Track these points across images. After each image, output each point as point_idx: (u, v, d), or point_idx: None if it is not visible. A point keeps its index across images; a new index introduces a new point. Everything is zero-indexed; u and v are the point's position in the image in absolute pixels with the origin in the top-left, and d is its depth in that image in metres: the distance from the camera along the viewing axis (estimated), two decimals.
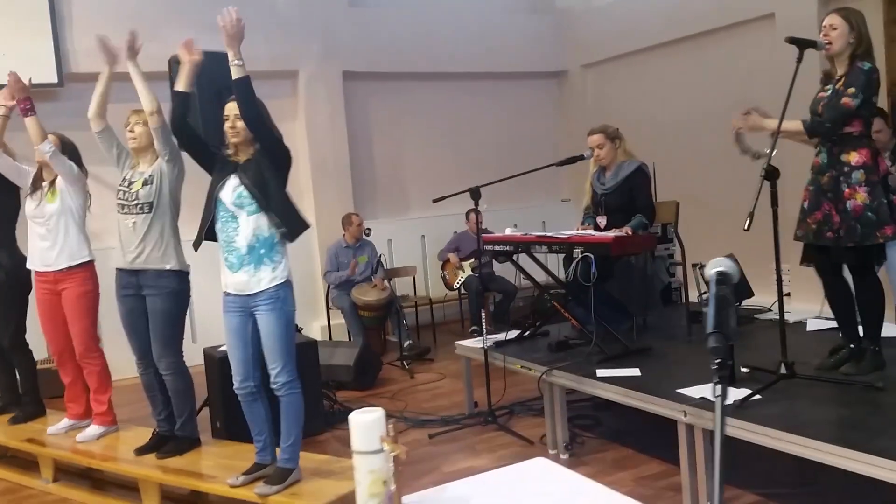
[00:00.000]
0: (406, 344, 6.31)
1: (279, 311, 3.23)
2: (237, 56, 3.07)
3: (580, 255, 3.85)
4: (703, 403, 3.11)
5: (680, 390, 3.29)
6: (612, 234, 3.99)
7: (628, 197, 4.30)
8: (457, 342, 4.86)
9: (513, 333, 4.58)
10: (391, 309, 6.46)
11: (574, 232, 4.20)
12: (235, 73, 3.09)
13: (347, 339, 6.49)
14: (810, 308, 5.34)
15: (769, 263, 5.66)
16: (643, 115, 7.26)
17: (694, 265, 4.80)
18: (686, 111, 7.04)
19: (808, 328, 4.33)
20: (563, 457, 3.88)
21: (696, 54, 6.98)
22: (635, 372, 3.67)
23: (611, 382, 3.59)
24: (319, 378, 4.67)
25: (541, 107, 8.52)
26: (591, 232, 4.19)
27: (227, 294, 3.29)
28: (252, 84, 3.13)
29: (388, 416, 4.62)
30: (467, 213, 7.14)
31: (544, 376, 3.89)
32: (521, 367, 4.14)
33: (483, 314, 4.48)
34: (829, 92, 3.34)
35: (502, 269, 7.18)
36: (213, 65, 3.79)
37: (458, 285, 6.99)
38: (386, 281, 6.53)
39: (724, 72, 6.71)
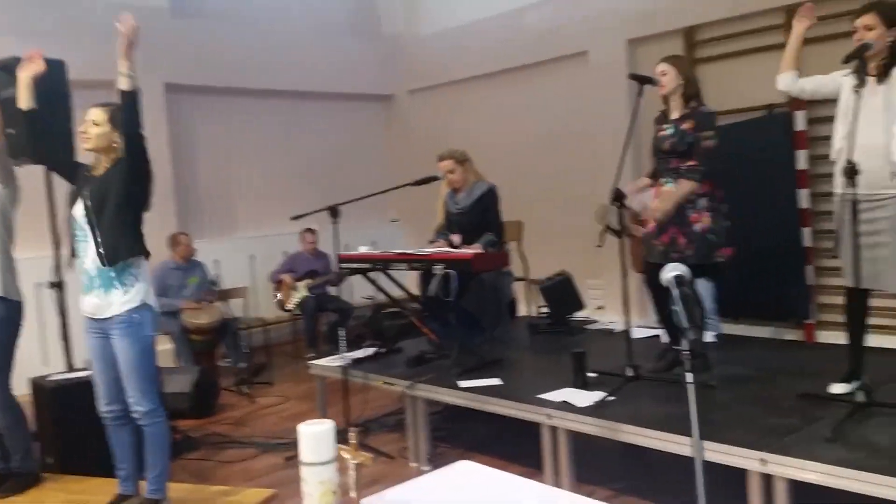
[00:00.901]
0: (243, 367, 6.11)
1: (133, 336, 3.06)
2: (131, 67, 2.90)
3: (442, 272, 3.99)
4: (565, 406, 3.36)
5: (541, 395, 3.53)
6: (469, 250, 4.18)
7: (480, 216, 4.53)
8: (311, 361, 4.82)
9: (369, 351, 4.62)
10: (225, 332, 6.23)
11: (433, 249, 4.34)
12: (126, 85, 2.93)
13: (176, 366, 6.15)
14: (620, 318, 5.90)
15: (588, 279, 6.21)
16: (468, 140, 7.58)
17: (531, 281, 5.14)
18: (509, 138, 7.51)
19: (633, 336, 4.76)
20: (426, 468, 3.97)
21: (519, 85, 7.47)
22: (497, 381, 3.87)
23: (475, 392, 3.75)
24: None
25: (369, 128, 8.66)
26: (449, 249, 4.36)
27: (84, 315, 3.07)
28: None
29: (236, 442, 4.49)
30: (302, 233, 7.08)
31: (408, 390, 3.97)
32: (384, 382, 4.20)
33: (340, 334, 4.45)
34: (671, 131, 3.78)
35: (337, 289, 7.19)
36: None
37: (292, 306, 6.89)
38: (219, 303, 6.28)
39: (544, 103, 7.25)
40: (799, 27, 3.44)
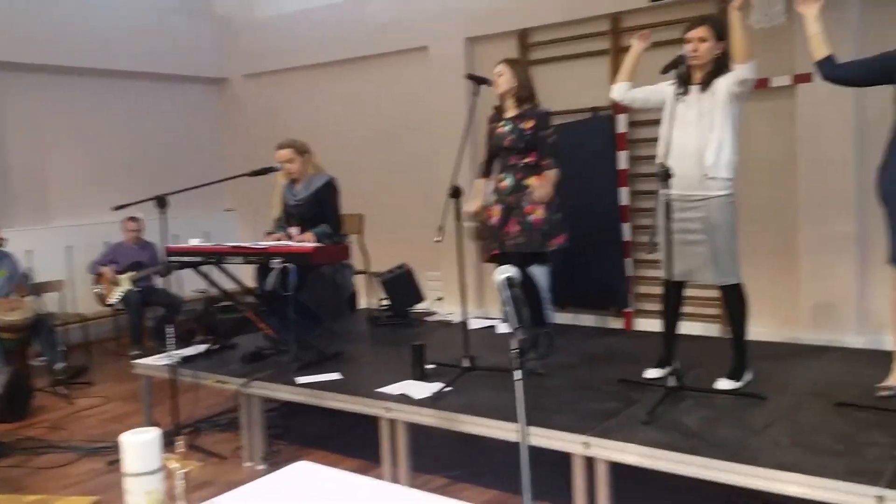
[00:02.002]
0: (59, 367, 5.66)
1: None
2: None
3: (280, 265, 3.90)
4: (403, 399, 3.41)
5: (379, 389, 3.55)
6: (308, 244, 4.11)
7: (319, 208, 4.47)
8: (135, 361, 4.54)
9: (200, 347, 4.43)
10: (39, 329, 5.74)
11: (271, 242, 4.22)
12: None
13: None
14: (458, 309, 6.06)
15: (428, 271, 6.31)
16: (308, 129, 7.45)
17: (373, 274, 5.15)
18: (350, 130, 7.45)
19: (470, 327, 4.90)
20: (260, 467, 3.88)
21: (360, 76, 7.42)
22: (336, 376, 3.84)
23: (313, 388, 3.71)
24: None
25: (201, 113, 8.28)
26: (287, 242, 4.27)
27: None
28: None
29: (52, 446, 4.18)
30: (123, 222, 6.66)
31: (242, 388, 3.86)
32: (217, 381, 4.04)
33: (167, 330, 4.23)
34: (508, 127, 3.94)
35: (164, 281, 6.83)
36: None
37: (114, 300, 6.46)
38: (32, 297, 5.78)
39: (386, 94, 7.25)
40: (638, 46, 3.67)
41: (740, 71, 3.26)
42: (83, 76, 7.16)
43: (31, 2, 6.64)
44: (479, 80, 3.77)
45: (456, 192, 3.62)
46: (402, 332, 4.93)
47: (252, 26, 8.06)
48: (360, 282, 5.11)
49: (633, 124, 5.87)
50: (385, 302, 5.18)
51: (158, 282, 6.72)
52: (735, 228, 3.40)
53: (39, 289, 5.99)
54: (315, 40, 7.50)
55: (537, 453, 2.93)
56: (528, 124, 3.94)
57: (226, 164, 8.28)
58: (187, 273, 6.81)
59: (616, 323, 6.01)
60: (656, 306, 5.85)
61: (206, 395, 4.39)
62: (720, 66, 3.38)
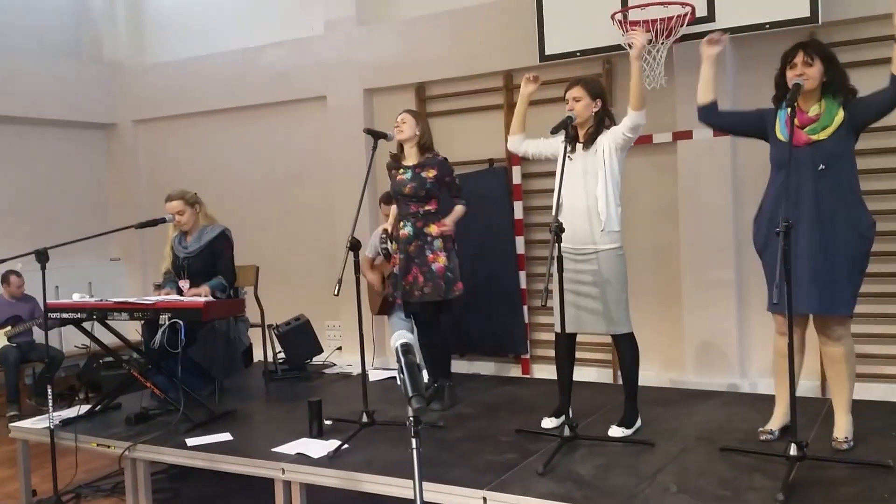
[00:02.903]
0: None
1: None
2: None
3: (168, 322, 3.76)
4: (300, 458, 3.32)
5: (275, 449, 3.44)
6: (200, 298, 3.98)
7: (211, 261, 4.35)
8: (11, 424, 4.23)
9: (73, 409, 4.19)
10: None
11: (158, 297, 4.06)
12: None
13: None
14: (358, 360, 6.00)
15: (326, 321, 6.23)
16: (201, 178, 7.28)
17: (269, 326, 5.03)
18: (244, 178, 7.32)
19: (371, 378, 4.87)
20: None
21: (255, 124, 7.32)
22: (226, 437, 3.71)
23: (204, 450, 3.56)
24: None
25: (87, 160, 7.94)
26: (177, 297, 4.12)
27: None
28: None
29: None
30: (4, 276, 6.27)
31: (127, 452, 3.66)
32: (99, 444, 3.82)
33: (47, 390, 3.97)
34: (408, 175, 4.02)
35: (43, 335, 6.45)
36: None
37: None
38: None
39: (284, 143, 7.18)
40: (526, 90, 3.79)
41: (636, 117, 3.41)
42: None
43: None
44: (377, 135, 3.83)
45: (354, 246, 3.61)
46: (299, 386, 4.82)
47: (143, 71, 7.86)
48: (255, 335, 4.96)
49: (526, 176, 6.04)
50: (281, 355, 5.06)
51: (38, 336, 6.33)
52: (625, 279, 3.54)
53: None
54: (210, 87, 7.37)
55: None
56: (430, 173, 4.05)
57: (113, 212, 7.96)
58: (69, 327, 6.52)
59: (515, 370, 6.09)
60: (551, 352, 6.02)
61: (88, 458, 4.13)
62: (600, 123, 3.55)
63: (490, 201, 5.99)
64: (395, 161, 4.16)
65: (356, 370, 5.14)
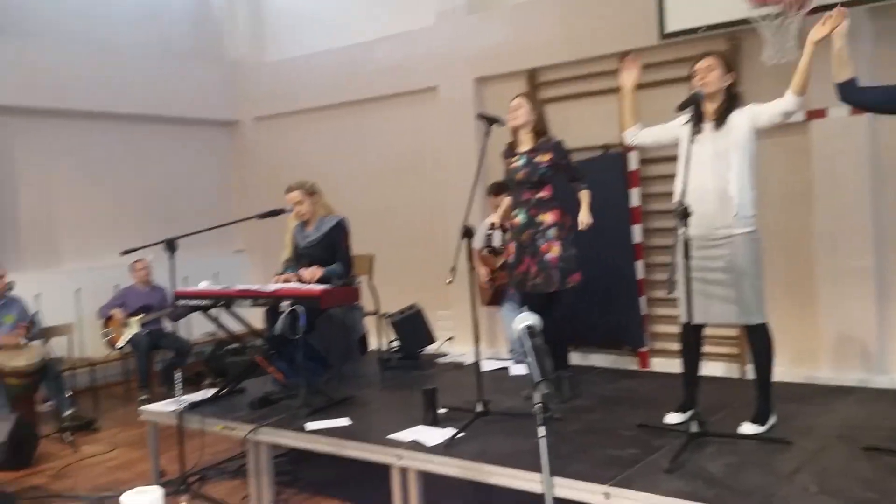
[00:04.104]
0: (67, 413, 5.57)
1: None
2: None
3: (289, 308, 3.83)
4: (415, 446, 3.30)
5: (391, 436, 3.44)
6: (317, 286, 4.05)
7: (329, 249, 4.42)
8: (142, 408, 4.45)
9: (200, 393, 4.35)
10: (46, 374, 5.67)
11: (279, 285, 4.16)
12: None
13: None
14: (471, 350, 5.95)
15: (438, 310, 6.21)
16: (317, 171, 7.44)
17: (382, 315, 5.06)
18: (359, 170, 7.44)
19: (483, 369, 4.80)
20: None
21: (369, 117, 7.44)
22: (345, 422, 3.74)
23: (323, 434, 3.61)
24: None
25: (212, 156, 8.31)
26: (296, 284, 4.20)
27: None
28: None
29: (56, 496, 4.07)
30: (133, 265, 6.63)
31: (251, 435, 3.76)
32: (224, 427, 3.95)
33: (175, 375, 4.14)
34: (522, 161, 3.90)
35: (174, 325, 6.79)
36: None
37: (123, 344, 6.40)
38: (41, 342, 5.72)
39: (396, 135, 7.26)
40: (627, 82, 3.62)
41: (793, 102, 3.18)
42: (94, 120, 7.20)
43: (43, 46, 6.71)
44: (490, 120, 3.74)
45: (468, 233, 3.55)
46: (412, 374, 4.83)
47: (263, 70, 8.13)
48: (370, 323, 5.01)
49: (644, 161, 5.83)
50: (395, 344, 5.09)
51: (168, 325, 6.66)
52: (761, 265, 3.31)
53: (47, 333, 5.92)
54: (325, 83, 7.54)
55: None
56: (545, 157, 3.92)
57: (236, 205, 8.28)
58: (196, 316, 6.81)
59: (631, 363, 5.89)
60: (673, 346, 5.78)
61: (214, 441, 4.29)
62: (732, 99, 3.33)
63: (605, 189, 5.77)
64: (510, 149, 4.07)
65: (468, 360, 5.11)
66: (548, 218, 3.91)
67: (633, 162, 5.83)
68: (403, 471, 3.26)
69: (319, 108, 7.69)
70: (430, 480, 3.30)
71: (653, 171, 5.82)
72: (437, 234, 6.92)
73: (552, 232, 3.91)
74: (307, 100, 7.71)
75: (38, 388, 5.85)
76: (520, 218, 3.96)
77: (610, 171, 5.84)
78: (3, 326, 5.67)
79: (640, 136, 3.61)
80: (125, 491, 4.18)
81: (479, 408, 3.52)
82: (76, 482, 4.45)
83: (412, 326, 5.06)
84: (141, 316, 6.45)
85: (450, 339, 6.14)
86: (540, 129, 3.97)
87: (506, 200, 4.27)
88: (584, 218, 3.92)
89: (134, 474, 4.57)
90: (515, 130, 4.02)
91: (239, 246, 8.42)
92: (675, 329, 5.80)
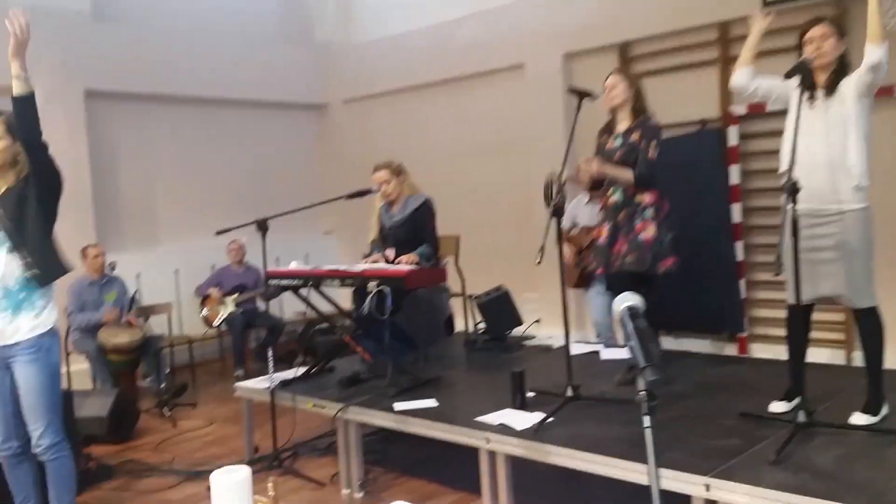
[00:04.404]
0: (164, 388, 5.78)
1: (41, 362, 2.83)
2: (23, 67, 2.66)
3: (376, 289, 3.82)
4: (504, 429, 3.23)
5: (478, 418, 3.38)
6: (404, 267, 4.02)
7: (415, 230, 4.39)
8: (236, 384, 4.56)
9: (291, 371, 4.40)
10: (146, 351, 5.90)
11: (367, 265, 4.16)
12: (20, 89, 2.67)
13: (92, 387, 5.79)
14: (559, 332, 5.80)
15: (524, 292, 6.09)
16: (403, 152, 7.44)
17: (468, 296, 5.01)
18: (444, 150, 7.38)
19: (573, 352, 4.68)
20: (358, 495, 3.79)
21: (454, 97, 7.37)
22: (432, 403, 3.71)
23: (410, 415, 3.58)
24: (75, 434, 4.10)
25: (301, 138, 8.43)
26: (383, 265, 4.19)
27: None
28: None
29: (155, 469, 4.21)
30: (229, 245, 6.80)
31: (340, 413, 3.78)
32: (314, 405, 3.99)
33: (268, 354, 4.21)
34: (619, 142, 3.75)
35: (267, 304, 6.93)
36: None
37: (219, 322, 6.59)
38: (141, 320, 5.95)
39: (480, 114, 7.16)
40: (760, 24, 3.38)
41: (873, 53, 2.92)
42: (189, 104, 7.40)
43: (140, 37, 6.92)
44: (581, 94, 3.58)
45: (558, 211, 3.43)
46: (499, 356, 4.76)
47: (350, 52, 8.17)
48: (456, 305, 4.96)
49: (745, 136, 5.54)
50: (482, 325, 5.03)
51: (261, 304, 6.82)
52: (872, 245, 3.07)
53: (147, 311, 6.16)
54: (410, 63, 7.50)
55: (638, 490, 2.69)
56: (637, 136, 3.74)
57: (324, 187, 8.37)
58: (288, 295, 6.94)
59: (729, 349, 5.64)
60: (773, 331, 5.50)
61: (305, 417, 4.33)
62: (843, 66, 3.08)
63: (701, 166, 5.55)
64: (607, 128, 3.90)
65: (556, 343, 5.00)
66: (646, 198, 3.74)
67: (732, 137, 5.55)
68: (492, 454, 3.19)
69: (406, 88, 7.67)
70: (517, 464, 3.23)
71: (753, 146, 5.53)
72: (523, 215, 6.80)
73: (649, 212, 3.74)
74: (394, 81, 7.70)
75: (138, 365, 6.10)
76: (616, 197, 3.80)
77: (707, 147, 5.58)
78: (106, 304, 5.92)
79: (756, 79, 3.30)
80: (219, 466, 4.32)
81: (570, 392, 3.41)
82: (174, 456, 4.60)
83: (499, 308, 4.98)
84: (236, 295, 6.62)
85: (536, 321, 6.03)
86: (639, 107, 3.78)
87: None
88: (601, 166, 3.72)
89: (228, 449, 4.69)
90: (613, 110, 3.85)
91: (327, 227, 8.54)
92: (776, 313, 5.52)
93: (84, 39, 6.52)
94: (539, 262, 3.39)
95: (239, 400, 4.64)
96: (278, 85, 7.91)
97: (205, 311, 6.65)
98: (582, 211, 5.27)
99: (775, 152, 5.48)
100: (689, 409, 3.38)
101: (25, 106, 2.69)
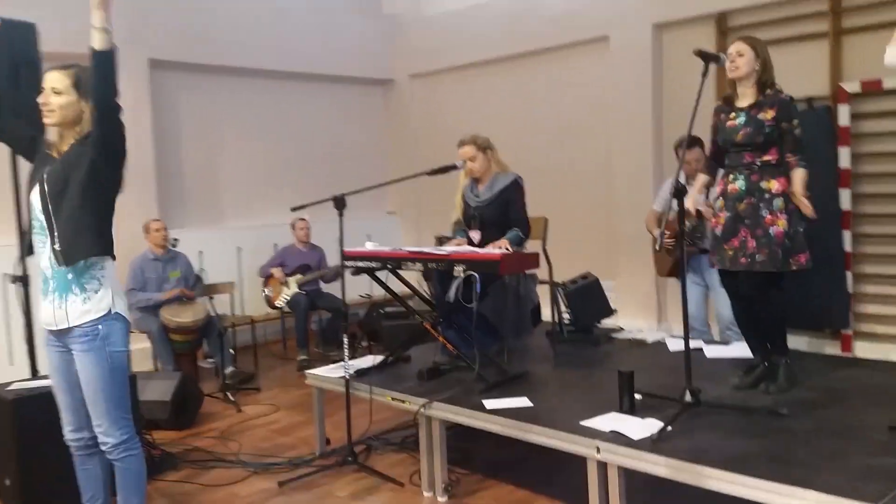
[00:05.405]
0: (228, 371, 5.56)
1: (97, 352, 2.54)
2: (106, 20, 2.39)
3: (464, 274, 3.48)
4: (617, 438, 2.86)
5: (584, 422, 3.03)
6: (495, 251, 3.67)
7: (503, 210, 4.03)
8: (307, 371, 4.27)
9: (367, 359, 4.10)
10: (209, 331, 5.68)
11: (453, 248, 3.82)
12: (99, 42, 2.40)
13: (154, 369, 5.59)
14: (638, 324, 5.39)
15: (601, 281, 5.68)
16: (475, 128, 7.00)
17: (555, 284, 4.64)
18: (519, 129, 6.98)
19: (670, 348, 4.30)
20: (442, 499, 3.47)
21: (530, 72, 6.95)
22: (525, 402, 3.37)
23: (503, 415, 3.24)
24: (139, 420, 3.86)
25: (366, 114, 8.12)
26: (469, 248, 3.84)
27: (42, 325, 2.55)
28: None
29: (221, 460, 3.93)
30: (293, 224, 6.55)
31: (423, 409, 3.46)
32: (393, 399, 3.67)
33: (343, 340, 3.91)
34: (742, 119, 3.34)
35: (330, 287, 6.67)
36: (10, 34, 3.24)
37: (281, 303, 6.35)
38: (206, 299, 5.72)
39: (558, 91, 6.74)
40: None
41: None
42: (253, 77, 7.15)
43: (205, 6, 6.66)
44: (709, 58, 3.16)
45: (680, 192, 3.03)
46: (588, 350, 4.39)
47: (420, 24, 7.80)
48: (541, 292, 4.59)
49: (857, 116, 5.06)
50: (567, 315, 4.65)
51: (324, 287, 6.55)
52: None
53: (211, 290, 5.93)
54: (484, 36, 7.11)
55: None
56: (768, 114, 3.30)
57: (388, 165, 8.08)
58: (348, 278, 6.65)
59: (831, 347, 5.18)
60: (881, 328, 5.02)
61: (375, 408, 3.99)
62: None
63: (808, 147, 5.05)
64: (727, 103, 3.47)
65: (650, 337, 4.61)
66: (774, 186, 3.31)
67: (843, 117, 5.06)
68: (603, 465, 2.83)
69: (479, 63, 7.28)
70: (631, 478, 2.87)
71: (867, 126, 5.05)
72: (602, 199, 6.40)
73: (778, 203, 3.30)
74: (466, 55, 7.32)
75: (200, 345, 5.89)
76: (738, 184, 3.37)
77: (815, 127, 5.08)
78: (170, 282, 5.71)
79: None
80: (289, 458, 4.07)
81: (688, 397, 3.02)
82: (240, 445, 4.34)
83: (587, 297, 4.60)
84: (298, 276, 6.37)
85: (613, 311, 5.65)
86: (766, 80, 3.34)
87: (700, 177, 3.67)
88: (804, 200, 3.27)
89: (297, 439, 4.42)
90: (734, 83, 3.41)
91: (390, 208, 8.24)
92: (885, 310, 5.05)
93: (149, 7, 6.28)
94: (659, 249, 3.01)
95: (305, 385, 4.37)
96: (345, 58, 7.60)
97: (267, 292, 6.41)
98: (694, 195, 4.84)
99: (891, 134, 4.99)
100: (826, 420, 2.97)
101: (106, 62, 2.41)
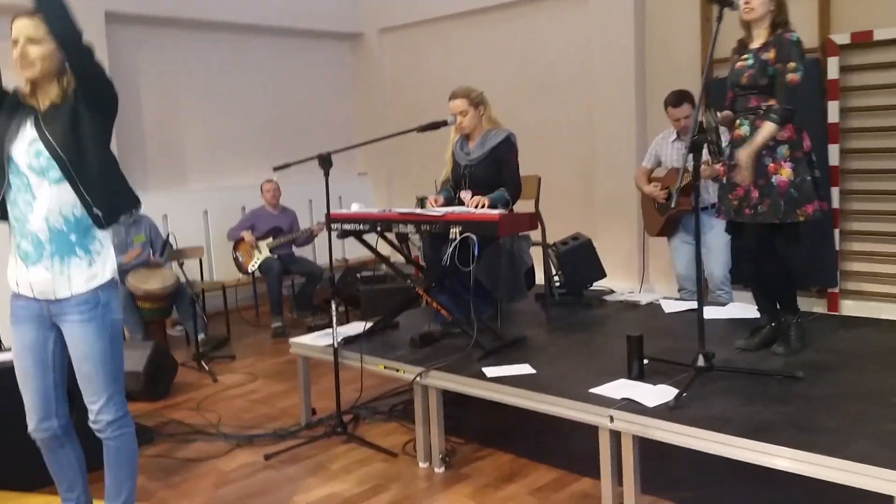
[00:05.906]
0: (201, 338, 5.31)
1: (99, 322, 2.31)
2: None
3: (459, 236, 3.29)
4: (630, 406, 2.73)
5: (594, 390, 2.89)
6: (492, 212, 3.47)
7: (495, 169, 3.83)
8: (291, 340, 4.05)
9: (361, 327, 3.89)
10: (179, 298, 5.41)
11: (446, 209, 3.61)
12: None
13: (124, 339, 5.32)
14: (620, 286, 5.29)
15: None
16: (448, 86, 6.78)
17: (547, 246, 4.48)
18: (495, 86, 6.69)
19: (666, 310, 4.18)
20: (439, 470, 3.33)
21: (508, 25, 6.70)
22: (527, 369, 3.22)
23: (506, 383, 3.09)
24: None
25: (334, 70, 7.79)
26: (465, 209, 3.64)
27: (19, 297, 2.28)
28: None
29: (201, 433, 3.73)
30: (262, 186, 6.26)
31: (419, 378, 3.29)
32: (386, 367, 3.50)
33: (331, 306, 3.71)
34: (749, 61, 3.16)
35: (303, 251, 6.45)
36: None
37: (253, 268, 6.09)
38: (177, 265, 5.44)
39: (537, 47, 6.52)
40: None
41: None
42: (216, 31, 6.77)
43: None
44: (723, 2, 2.97)
45: (696, 145, 2.85)
46: (581, 314, 4.26)
47: None
48: (534, 254, 4.42)
49: (846, 69, 4.96)
50: (558, 278, 4.51)
51: (296, 250, 6.31)
52: None
53: (179, 255, 5.64)
54: None
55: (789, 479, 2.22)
56: (772, 54, 3.13)
57: (359, 124, 7.80)
58: (321, 241, 6.40)
59: (819, 305, 5.15)
60: (867, 286, 5.00)
61: (354, 376, 3.79)
62: None
63: (797, 101, 4.95)
64: (741, 45, 3.29)
65: (643, 299, 4.50)
66: (778, 133, 3.15)
67: (832, 69, 4.96)
68: (616, 435, 2.71)
69: (453, 16, 7.00)
70: (645, 446, 2.74)
71: (856, 79, 4.96)
72: (584, 157, 6.24)
73: (783, 150, 3.15)
74: (439, 7, 7.02)
75: (170, 313, 5.63)
76: (743, 129, 3.21)
77: (803, 82, 4.95)
78: (133, 246, 5.41)
79: None
80: (273, 429, 3.88)
81: (701, 362, 2.89)
82: (219, 416, 4.14)
83: (579, 259, 4.46)
84: (270, 240, 6.11)
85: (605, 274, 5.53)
86: (779, 21, 3.17)
87: (727, 113, 3.46)
88: (741, 154, 3.11)
89: (278, 410, 4.23)
90: (748, 25, 3.23)
91: (361, 168, 7.97)
92: (872, 267, 5.02)
93: None
94: (672, 207, 2.85)
95: (281, 353, 4.17)
96: (310, 11, 7.23)
97: (238, 256, 6.14)
98: (667, 149, 4.70)
99: (880, 87, 4.90)
100: (844, 384, 2.87)
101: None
